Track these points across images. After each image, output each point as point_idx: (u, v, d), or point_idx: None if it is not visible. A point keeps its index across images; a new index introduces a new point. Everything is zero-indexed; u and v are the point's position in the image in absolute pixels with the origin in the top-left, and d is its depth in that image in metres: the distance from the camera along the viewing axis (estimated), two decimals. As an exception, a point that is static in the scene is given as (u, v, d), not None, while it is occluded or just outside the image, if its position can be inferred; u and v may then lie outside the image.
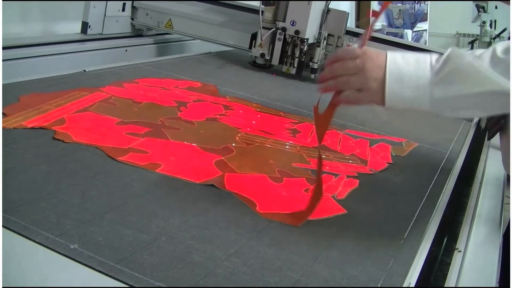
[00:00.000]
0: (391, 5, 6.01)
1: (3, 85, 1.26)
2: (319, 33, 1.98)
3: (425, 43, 6.10)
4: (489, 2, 5.16)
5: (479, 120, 1.75)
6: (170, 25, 2.28)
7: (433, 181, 1.18)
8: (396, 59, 0.81)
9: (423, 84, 0.77)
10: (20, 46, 1.74)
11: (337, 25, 2.02)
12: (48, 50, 1.81)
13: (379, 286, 0.75)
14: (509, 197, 1.29)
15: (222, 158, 1.11)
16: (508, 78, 0.70)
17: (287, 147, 1.26)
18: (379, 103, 0.83)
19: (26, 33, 1.95)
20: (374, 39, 2.07)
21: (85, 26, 2.08)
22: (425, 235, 0.92)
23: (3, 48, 1.62)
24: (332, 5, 2.01)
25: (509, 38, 1.18)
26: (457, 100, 0.75)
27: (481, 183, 1.21)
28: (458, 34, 6.45)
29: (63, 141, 1.05)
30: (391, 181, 1.15)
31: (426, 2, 6.24)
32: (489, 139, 1.08)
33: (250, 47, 2.07)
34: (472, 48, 5.42)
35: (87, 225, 0.77)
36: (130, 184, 0.93)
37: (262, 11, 1.98)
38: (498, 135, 1.17)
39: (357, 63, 0.83)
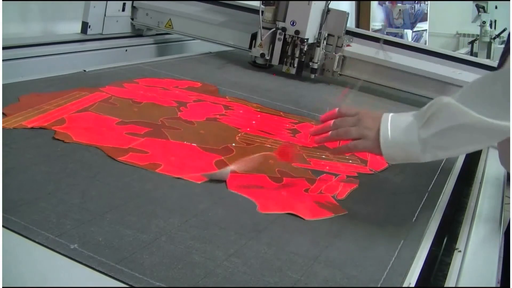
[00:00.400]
0: (391, 5, 6.02)
1: (3, 85, 1.26)
2: (319, 33, 1.98)
3: (425, 43, 6.10)
4: (489, 2, 5.16)
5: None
6: (170, 25, 2.28)
7: (433, 181, 1.18)
8: (389, 114, 0.92)
9: (411, 128, 0.87)
10: (20, 46, 1.74)
11: (337, 25, 2.02)
12: (48, 50, 1.81)
13: (379, 286, 0.75)
14: (509, 197, 1.29)
15: (222, 158, 1.11)
16: (478, 112, 0.79)
17: (287, 147, 1.26)
18: (376, 150, 0.92)
19: (26, 33, 1.95)
20: (374, 39, 2.07)
21: (85, 26, 2.08)
22: (425, 235, 0.92)
23: (3, 48, 1.62)
24: (332, 5, 2.01)
25: (508, 38, 1.19)
26: (440, 138, 0.84)
27: (481, 183, 1.21)
28: (458, 34, 6.45)
29: (63, 141, 1.05)
30: (391, 181, 1.15)
31: (426, 2, 6.25)
32: None
33: (250, 47, 2.07)
34: (472, 47, 5.42)
35: (87, 225, 0.77)
36: (130, 184, 0.93)
37: (262, 11, 1.98)
38: None
39: (356, 117, 0.96)
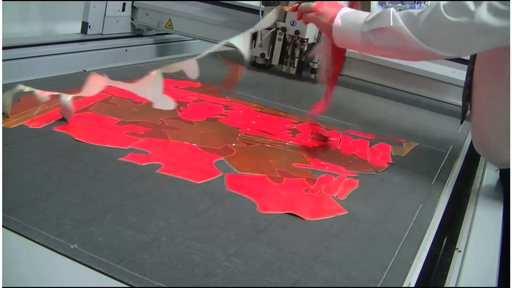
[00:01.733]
0: (391, 5, 6.01)
1: (3, 85, 1.26)
2: (319, 33, 1.97)
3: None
4: None
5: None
6: (170, 25, 2.28)
7: (433, 181, 1.18)
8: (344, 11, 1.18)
9: (359, 23, 1.13)
10: (20, 46, 1.74)
11: (337, 25, 2.02)
12: (48, 50, 1.81)
13: (379, 286, 0.75)
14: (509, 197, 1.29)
15: (222, 158, 1.11)
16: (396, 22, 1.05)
17: (287, 147, 1.26)
18: (326, 29, 1.20)
19: (26, 33, 1.95)
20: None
21: (85, 26, 2.08)
22: (425, 235, 0.92)
23: (3, 48, 1.62)
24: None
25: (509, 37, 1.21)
26: (374, 34, 1.10)
27: (481, 183, 1.21)
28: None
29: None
30: (391, 181, 1.15)
31: (426, 2, 6.24)
32: (461, 123, 1.30)
33: (250, 47, 2.06)
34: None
35: (87, 225, 0.77)
36: (130, 184, 0.93)
37: (262, 11, 1.98)
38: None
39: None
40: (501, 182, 1.16)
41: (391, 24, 1.06)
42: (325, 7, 1.21)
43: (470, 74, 1.14)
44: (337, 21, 1.16)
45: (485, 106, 1.12)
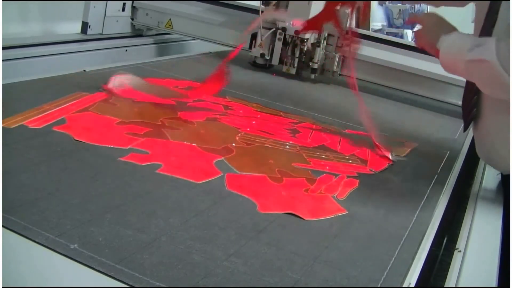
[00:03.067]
0: (391, 5, 6.02)
1: (3, 85, 1.26)
2: (319, 34, 1.97)
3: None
4: (489, 2, 5.14)
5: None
6: (170, 25, 2.28)
7: (433, 181, 1.18)
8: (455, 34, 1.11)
9: (463, 49, 1.04)
10: (20, 46, 1.73)
11: (337, 25, 2.02)
12: (48, 50, 1.81)
13: (379, 286, 0.75)
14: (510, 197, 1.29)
15: (222, 158, 1.11)
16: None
17: (287, 147, 1.26)
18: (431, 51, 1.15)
19: (26, 33, 1.95)
20: (374, 39, 2.07)
21: (85, 26, 2.08)
22: (425, 235, 0.92)
23: (3, 48, 1.62)
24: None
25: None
26: (473, 64, 1.02)
27: (481, 183, 1.21)
28: None
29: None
30: (391, 181, 1.15)
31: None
32: (464, 130, 1.30)
33: (250, 47, 2.07)
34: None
35: (87, 225, 0.77)
36: (130, 184, 0.93)
37: (262, 11, 1.98)
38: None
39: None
40: (502, 185, 1.16)
41: (489, 57, 0.96)
42: (429, 29, 1.16)
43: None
44: (444, 44, 1.09)
45: (492, 112, 1.10)
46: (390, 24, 6.12)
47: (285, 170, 1.10)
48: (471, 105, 1.15)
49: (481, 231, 0.97)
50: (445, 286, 0.80)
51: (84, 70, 1.60)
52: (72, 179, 0.91)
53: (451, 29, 1.13)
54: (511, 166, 1.06)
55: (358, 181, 1.11)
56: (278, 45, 1.98)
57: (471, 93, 1.14)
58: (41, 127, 1.10)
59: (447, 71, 1.13)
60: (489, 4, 1.08)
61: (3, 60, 1.56)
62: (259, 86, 1.83)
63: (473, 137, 1.60)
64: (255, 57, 2.06)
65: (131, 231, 0.77)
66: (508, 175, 1.09)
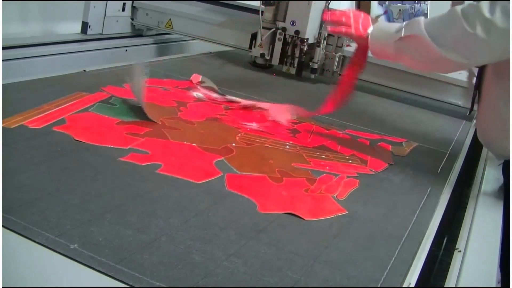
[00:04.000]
0: (390, 5, 6.01)
1: (3, 85, 1.26)
2: (319, 33, 1.98)
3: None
4: None
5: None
6: (170, 25, 2.28)
7: (433, 181, 1.18)
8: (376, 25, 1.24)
9: (391, 32, 1.17)
10: (20, 46, 1.73)
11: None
12: (48, 50, 1.81)
13: (379, 286, 0.75)
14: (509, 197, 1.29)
15: (222, 158, 1.11)
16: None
17: (287, 147, 1.26)
18: (361, 41, 1.27)
19: (26, 33, 1.95)
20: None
21: (85, 26, 2.08)
22: (425, 235, 0.92)
23: (3, 48, 1.62)
24: (332, 5, 2.00)
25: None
26: (402, 42, 1.13)
27: (481, 183, 1.21)
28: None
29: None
30: (391, 181, 1.15)
31: (426, 2, 6.24)
32: (469, 114, 1.42)
33: (250, 47, 2.07)
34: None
35: (87, 225, 0.77)
36: (130, 184, 0.93)
37: (262, 11, 1.98)
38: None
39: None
40: (503, 174, 1.17)
41: (418, 32, 1.07)
42: (354, 19, 1.26)
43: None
44: (372, 31, 1.22)
45: (491, 97, 1.14)
46: (390, 24, 6.12)
47: (285, 170, 1.10)
48: (472, 100, 1.23)
49: (481, 231, 0.97)
50: (445, 286, 0.80)
51: (84, 70, 1.60)
52: (72, 179, 0.91)
53: (376, 21, 1.26)
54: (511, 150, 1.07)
55: (358, 181, 1.11)
56: (278, 45, 1.98)
57: (477, 76, 1.20)
58: (41, 127, 1.10)
59: (377, 57, 1.27)
60: None
61: (3, 60, 1.56)
62: (259, 86, 1.83)
63: (473, 137, 1.61)
64: (255, 57, 2.06)
65: (131, 231, 0.77)
66: (508, 163, 1.11)
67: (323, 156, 1.23)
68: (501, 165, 1.18)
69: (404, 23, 1.14)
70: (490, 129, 1.16)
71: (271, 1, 1.97)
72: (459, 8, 1.02)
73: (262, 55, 2.01)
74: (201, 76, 1.69)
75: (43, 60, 1.77)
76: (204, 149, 1.14)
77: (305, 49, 1.96)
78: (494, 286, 0.80)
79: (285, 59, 2.01)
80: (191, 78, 1.68)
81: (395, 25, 1.16)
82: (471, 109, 1.30)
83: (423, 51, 1.08)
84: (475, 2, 0.99)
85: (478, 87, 1.18)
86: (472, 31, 0.98)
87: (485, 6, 0.97)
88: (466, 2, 1.03)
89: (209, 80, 1.68)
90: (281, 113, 1.44)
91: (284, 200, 0.97)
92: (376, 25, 1.23)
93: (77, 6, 2.09)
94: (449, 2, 1.39)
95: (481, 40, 0.98)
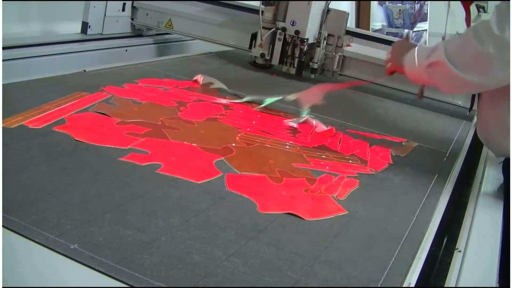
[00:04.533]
0: (391, 5, 6.02)
1: (3, 85, 1.26)
2: (319, 33, 1.98)
3: (425, 43, 6.09)
4: (489, 2, 5.15)
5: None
6: (170, 25, 2.28)
7: (433, 181, 1.18)
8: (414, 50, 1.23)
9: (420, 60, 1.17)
10: (20, 46, 1.73)
11: (337, 25, 2.02)
12: (48, 50, 1.81)
13: (379, 286, 0.75)
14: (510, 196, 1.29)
15: (222, 158, 1.11)
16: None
17: (287, 147, 1.26)
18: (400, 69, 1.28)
19: (26, 33, 1.95)
20: (374, 39, 2.07)
21: (85, 26, 2.08)
22: (425, 235, 0.92)
23: (3, 48, 1.61)
24: (332, 5, 2.00)
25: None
26: (430, 68, 1.12)
27: (481, 183, 1.21)
28: (458, 34, 6.42)
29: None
30: (391, 181, 1.15)
31: (426, 2, 6.23)
32: (468, 112, 1.45)
33: (250, 47, 2.07)
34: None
35: (87, 225, 0.77)
36: (130, 184, 0.93)
37: (262, 11, 1.98)
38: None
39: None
40: (503, 173, 1.17)
41: (440, 57, 1.06)
42: (394, 53, 1.30)
43: None
44: (405, 62, 1.22)
45: (491, 94, 1.14)
46: (390, 24, 6.13)
47: (285, 170, 1.10)
48: (472, 98, 1.29)
49: (481, 231, 0.97)
50: (445, 286, 0.80)
51: (84, 70, 1.60)
52: (72, 179, 0.91)
53: (412, 46, 1.24)
54: (511, 148, 1.07)
55: (358, 181, 1.11)
56: (278, 45, 1.98)
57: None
58: (41, 127, 1.10)
59: (415, 83, 1.28)
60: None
61: (3, 60, 1.56)
62: (259, 86, 1.83)
63: (473, 137, 1.61)
64: (255, 57, 2.06)
65: (131, 231, 0.77)
66: (508, 161, 1.11)
67: (323, 156, 1.23)
68: (501, 164, 1.18)
69: (431, 47, 1.13)
70: (490, 127, 1.16)
71: (271, 1, 1.97)
72: (471, 28, 1.02)
73: (262, 55, 2.01)
74: (209, 77, 1.70)
75: (43, 60, 1.77)
76: (204, 149, 1.14)
77: (305, 49, 1.96)
78: (494, 286, 0.80)
79: (285, 59, 2.01)
80: (194, 78, 1.68)
81: (426, 51, 1.15)
82: (471, 107, 1.31)
83: (448, 76, 1.07)
84: (487, 18, 0.99)
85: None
86: (485, 50, 0.98)
87: (494, 24, 0.96)
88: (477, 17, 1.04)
89: (217, 81, 1.68)
90: (312, 96, 1.50)
91: (284, 200, 0.97)
92: (410, 53, 1.21)
93: (77, 6, 2.09)
94: (448, 2, 1.42)
95: (494, 58, 0.97)
